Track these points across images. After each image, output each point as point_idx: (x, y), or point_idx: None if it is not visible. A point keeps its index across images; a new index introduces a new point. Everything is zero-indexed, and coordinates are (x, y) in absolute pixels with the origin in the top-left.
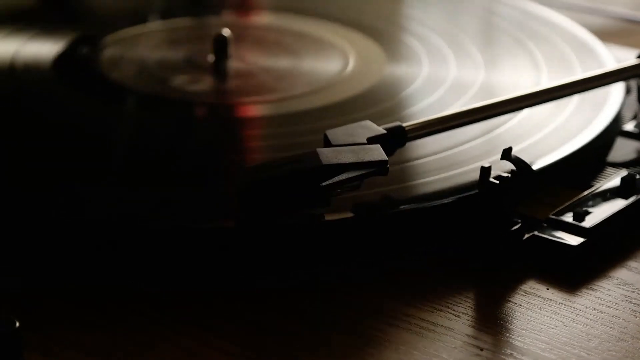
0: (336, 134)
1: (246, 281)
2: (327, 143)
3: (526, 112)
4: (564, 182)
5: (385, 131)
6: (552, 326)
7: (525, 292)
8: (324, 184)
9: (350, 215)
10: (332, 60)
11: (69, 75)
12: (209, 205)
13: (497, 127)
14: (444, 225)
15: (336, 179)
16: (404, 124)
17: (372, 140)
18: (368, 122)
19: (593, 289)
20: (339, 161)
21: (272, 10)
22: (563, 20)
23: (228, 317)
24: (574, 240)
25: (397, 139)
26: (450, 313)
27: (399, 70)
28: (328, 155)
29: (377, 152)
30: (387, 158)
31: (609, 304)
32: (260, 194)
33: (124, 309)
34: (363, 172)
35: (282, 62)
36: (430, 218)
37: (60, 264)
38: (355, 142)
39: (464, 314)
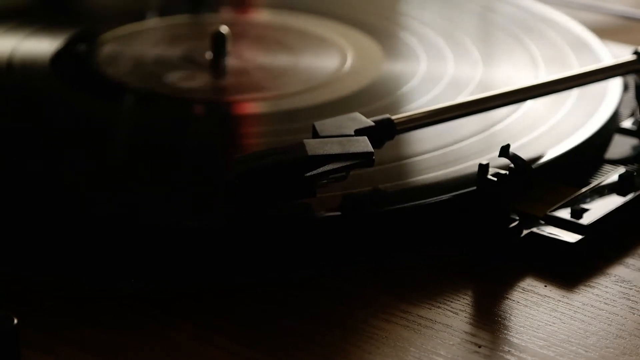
0: (324, 125)
1: (244, 278)
2: (315, 134)
3: (524, 109)
4: (562, 179)
5: (373, 123)
6: (550, 323)
7: (523, 289)
8: (308, 174)
9: (347, 212)
10: (330, 58)
11: (67, 73)
12: (208, 203)
13: (495, 124)
14: (442, 222)
15: (320, 169)
16: (393, 117)
17: (359, 132)
18: (357, 114)
19: (591, 286)
20: (325, 152)
21: (270, 7)
22: (561, 17)
23: (227, 314)
24: (571, 237)
25: (385, 131)
26: (448, 310)
27: (397, 67)
28: (314, 146)
29: (363, 144)
30: (372, 150)
31: (606, 301)
32: (246, 184)
33: (124, 307)
34: (348, 163)
35: (280, 60)
36: (427, 215)
37: (60, 262)
38: (343, 133)
39: (462, 311)
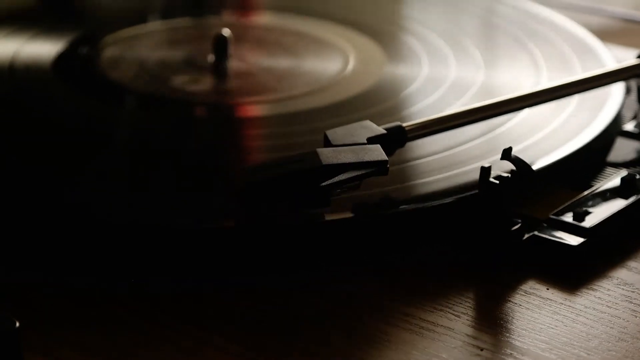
0: (336, 133)
1: (246, 280)
2: (327, 143)
3: (526, 112)
4: (564, 182)
5: (385, 131)
6: (552, 326)
7: (525, 292)
8: (324, 184)
9: (350, 215)
10: (332, 60)
11: (69, 76)
12: (209, 205)
13: (497, 127)
14: (445, 225)
15: (336, 179)
16: (404, 124)
17: (372, 140)
18: (368, 122)
19: (593, 289)
20: (339, 161)
21: (272, 10)
22: (563, 20)
23: (228, 316)
24: (574, 240)
25: (397, 139)
26: (450, 313)
27: (399, 70)
28: (328, 155)
29: (377, 152)
30: (387, 158)
31: (609, 304)
32: (260, 194)
33: (124, 308)
34: (363, 172)
35: (282, 62)
36: (430, 218)
37: (60, 263)
38: (355, 142)
39: (464, 313)
